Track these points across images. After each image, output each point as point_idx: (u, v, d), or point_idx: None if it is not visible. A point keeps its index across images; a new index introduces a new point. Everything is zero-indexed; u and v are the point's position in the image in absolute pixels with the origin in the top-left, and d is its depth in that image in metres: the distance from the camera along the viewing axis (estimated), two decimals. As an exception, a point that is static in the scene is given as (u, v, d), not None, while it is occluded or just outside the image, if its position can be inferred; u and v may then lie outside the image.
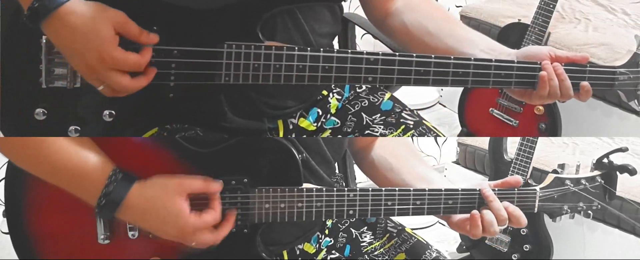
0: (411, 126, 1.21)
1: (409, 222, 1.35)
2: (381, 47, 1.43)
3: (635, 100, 1.12)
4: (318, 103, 1.21)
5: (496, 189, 1.08)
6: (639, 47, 1.12)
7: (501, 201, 1.07)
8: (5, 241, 1.04)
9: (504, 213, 1.06)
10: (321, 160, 1.13)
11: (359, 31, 1.65)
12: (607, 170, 1.16)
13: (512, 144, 2.11)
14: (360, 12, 1.30)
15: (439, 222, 2.54)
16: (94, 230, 0.99)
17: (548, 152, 2.28)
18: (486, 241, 2.15)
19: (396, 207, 1.05)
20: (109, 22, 0.91)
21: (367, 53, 1.01)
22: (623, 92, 1.11)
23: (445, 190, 1.07)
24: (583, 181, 1.15)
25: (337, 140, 1.18)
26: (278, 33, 1.05)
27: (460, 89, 2.48)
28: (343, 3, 1.17)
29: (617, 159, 1.16)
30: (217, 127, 1.08)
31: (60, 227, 1.01)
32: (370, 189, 1.04)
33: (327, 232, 1.20)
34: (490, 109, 2.34)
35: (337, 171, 1.29)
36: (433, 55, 1.03)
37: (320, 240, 1.18)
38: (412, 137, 1.21)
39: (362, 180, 1.50)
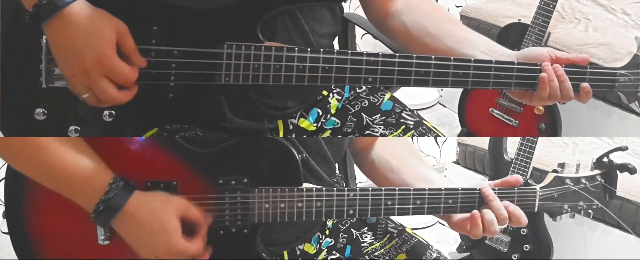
0: (411, 126, 1.21)
1: (409, 222, 1.35)
2: (381, 47, 1.44)
3: (636, 102, 1.12)
4: (318, 103, 1.21)
5: (496, 189, 1.08)
6: (639, 49, 1.12)
7: (501, 200, 1.07)
8: (5, 241, 1.04)
9: (504, 212, 1.06)
10: (321, 160, 1.13)
11: (359, 31, 1.66)
12: (607, 169, 1.16)
13: (512, 144, 2.11)
14: (360, 12, 1.30)
15: (439, 222, 2.54)
16: (93, 231, 0.99)
17: (548, 152, 2.28)
18: (486, 241, 2.15)
19: (396, 206, 1.05)
20: (112, 27, 0.91)
21: (367, 54, 1.01)
22: (623, 93, 1.11)
23: (445, 189, 1.07)
24: (583, 180, 1.15)
25: (337, 141, 1.18)
26: (278, 33, 1.05)
27: (460, 89, 2.48)
28: (343, 3, 1.17)
29: (617, 158, 1.16)
30: (217, 127, 1.08)
31: (60, 227, 1.01)
32: (370, 188, 1.04)
33: (327, 232, 1.20)
34: (490, 109, 2.34)
35: (337, 171, 1.29)
36: (433, 56, 1.03)
37: (321, 241, 1.18)
38: (412, 137, 1.21)
39: (362, 180, 1.50)
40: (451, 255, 2.32)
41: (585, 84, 1.07)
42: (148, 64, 0.96)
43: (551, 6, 2.11)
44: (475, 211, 1.07)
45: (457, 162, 2.56)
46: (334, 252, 1.19)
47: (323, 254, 1.18)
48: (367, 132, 1.21)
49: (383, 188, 1.05)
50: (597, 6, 2.54)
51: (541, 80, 1.06)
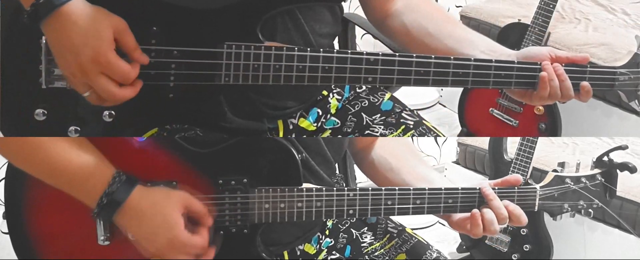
0: (411, 126, 1.21)
1: (409, 222, 1.35)
2: (381, 47, 1.44)
3: (636, 101, 1.12)
4: (318, 103, 1.21)
5: (496, 188, 1.08)
6: (639, 48, 1.12)
7: (501, 200, 1.07)
8: (5, 241, 1.04)
9: (504, 211, 1.06)
10: (321, 160, 1.13)
11: (359, 31, 1.66)
12: (607, 169, 1.16)
13: (512, 144, 2.11)
14: (360, 12, 1.30)
15: (439, 222, 2.54)
16: (93, 231, 0.99)
17: (548, 152, 2.28)
18: (486, 241, 2.15)
19: (396, 206, 1.05)
20: (110, 25, 0.91)
21: (367, 53, 1.01)
22: (623, 92, 1.11)
23: (445, 189, 1.07)
24: (583, 179, 1.15)
25: (337, 141, 1.18)
26: (278, 33, 1.05)
27: (460, 89, 2.48)
28: (343, 3, 1.17)
29: (617, 158, 1.16)
30: (216, 127, 1.08)
31: (60, 227, 1.01)
32: (370, 188, 1.04)
33: (327, 232, 1.20)
34: (490, 109, 2.34)
35: (337, 171, 1.29)
36: (433, 56, 1.03)
37: (321, 241, 1.18)
38: (412, 137, 1.21)
39: (362, 180, 1.50)
40: (451, 255, 2.32)
41: (586, 83, 1.07)
42: (148, 64, 0.96)
43: (551, 6, 2.11)
44: (475, 210, 1.07)
45: (457, 162, 2.56)
46: (334, 252, 1.19)
47: (323, 254, 1.18)
48: (367, 132, 1.21)
49: (383, 188, 1.05)
50: (597, 6, 2.54)
51: (541, 79, 1.06)
